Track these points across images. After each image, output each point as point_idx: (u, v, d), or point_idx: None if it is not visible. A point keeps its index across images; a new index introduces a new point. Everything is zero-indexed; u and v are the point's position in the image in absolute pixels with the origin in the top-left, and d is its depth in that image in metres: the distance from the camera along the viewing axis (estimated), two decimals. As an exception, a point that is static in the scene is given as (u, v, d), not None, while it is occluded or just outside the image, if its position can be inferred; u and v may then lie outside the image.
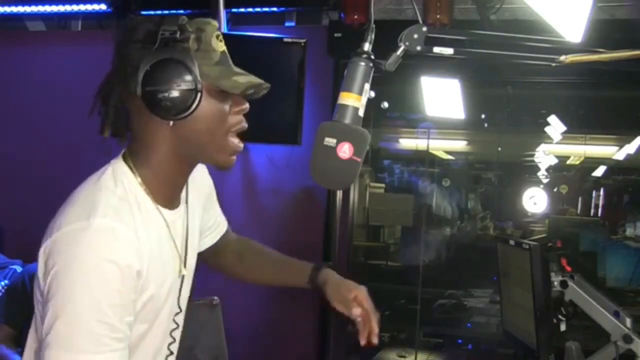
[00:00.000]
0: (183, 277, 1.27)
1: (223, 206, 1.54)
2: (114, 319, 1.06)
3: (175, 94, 1.13)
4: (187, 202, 1.31)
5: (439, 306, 4.26)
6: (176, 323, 1.28)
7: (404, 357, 3.48)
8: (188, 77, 1.13)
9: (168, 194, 1.23)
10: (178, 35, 1.14)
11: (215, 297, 2.23)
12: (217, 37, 1.19)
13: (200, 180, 1.42)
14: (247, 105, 1.23)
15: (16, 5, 3.64)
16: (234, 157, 1.23)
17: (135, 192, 1.18)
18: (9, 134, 3.83)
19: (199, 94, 1.14)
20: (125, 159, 1.21)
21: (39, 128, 3.76)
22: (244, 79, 1.19)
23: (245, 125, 1.23)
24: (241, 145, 1.23)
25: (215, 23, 1.20)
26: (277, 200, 3.49)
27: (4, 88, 3.88)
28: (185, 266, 1.27)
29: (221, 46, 1.19)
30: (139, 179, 1.19)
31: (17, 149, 3.81)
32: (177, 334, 1.30)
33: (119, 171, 1.19)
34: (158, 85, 1.12)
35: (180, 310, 1.28)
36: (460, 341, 4.12)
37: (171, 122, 1.15)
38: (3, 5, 3.65)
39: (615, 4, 2.94)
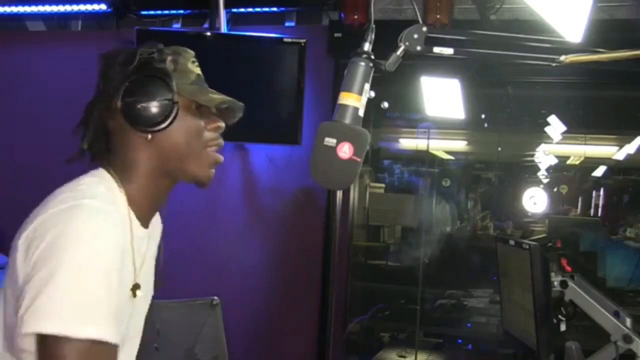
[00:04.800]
0: (136, 300, 1.20)
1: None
2: (114, 284, 1.06)
3: (153, 104, 1.17)
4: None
5: (439, 306, 4.25)
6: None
7: (404, 357, 3.47)
8: (165, 90, 1.18)
9: (145, 210, 1.24)
10: (156, 56, 1.21)
11: (215, 297, 2.23)
12: (193, 62, 1.26)
13: (159, 227, 1.38)
14: (222, 124, 1.26)
15: (16, 5, 3.64)
16: (213, 170, 1.25)
17: (118, 200, 1.18)
18: (9, 134, 3.83)
19: (175, 107, 1.18)
20: (107, 171, 1.21)
21: (39, 128, 3.75)
22: (219, 95, 1.24)
23: (221, 142, 1.26)
24: (221, 157, 1.26)
25: (191, 52, 1.27)
26: (277, 200, 3.48)
27: (3, 88, 3.88)
28: (139, 288, 1.21)
29: (197, 69, 1.25)
30: (123, 190, 1.20)
31: (17, 149, 3.80)
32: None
33: (104, 177, 1.20)
34: (137, 97, 1.17)
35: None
36: (460, 341, 4.12)
37: (149, 136, 1.19)
38: (3, 5, 3.65)
39: (615, 4, 2.94)
